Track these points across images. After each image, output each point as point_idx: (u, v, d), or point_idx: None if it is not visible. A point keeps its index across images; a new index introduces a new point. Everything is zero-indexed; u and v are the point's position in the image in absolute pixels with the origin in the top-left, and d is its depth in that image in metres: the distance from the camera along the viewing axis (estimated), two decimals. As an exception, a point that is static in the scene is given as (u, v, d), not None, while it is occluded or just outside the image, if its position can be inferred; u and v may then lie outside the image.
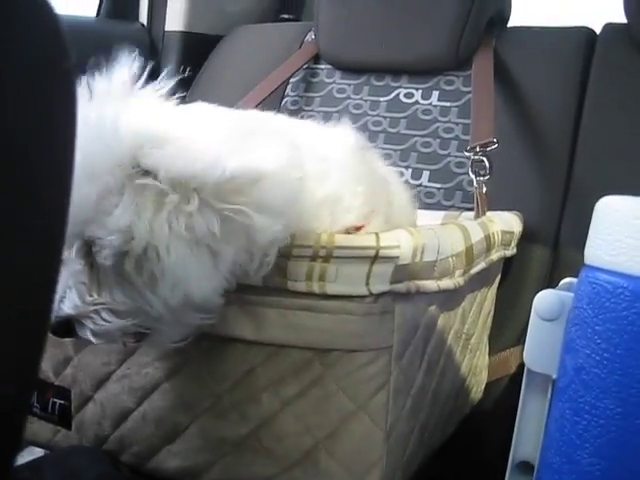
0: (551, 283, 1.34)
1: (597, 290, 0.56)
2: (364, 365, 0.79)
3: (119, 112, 0.71)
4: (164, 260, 0.70)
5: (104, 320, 0.75)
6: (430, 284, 0.83)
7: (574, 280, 0.65)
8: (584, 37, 1.53)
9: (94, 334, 0.75)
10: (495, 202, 1.27)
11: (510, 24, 1.67)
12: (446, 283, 0.87)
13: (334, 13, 1.64)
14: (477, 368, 1.18)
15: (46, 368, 0.97)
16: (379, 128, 1.58)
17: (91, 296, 0.75)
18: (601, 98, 1.45)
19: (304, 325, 0.78)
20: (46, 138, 0.44)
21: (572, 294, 0.63)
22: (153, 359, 0.88)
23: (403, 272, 0.78)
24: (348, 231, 0.84)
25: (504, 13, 1.65)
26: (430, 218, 1.32)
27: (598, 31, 1.54)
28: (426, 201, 1.48)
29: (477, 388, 1.20)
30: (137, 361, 0.89)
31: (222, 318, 0.80)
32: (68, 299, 0.75)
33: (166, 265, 0.71)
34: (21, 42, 0.40)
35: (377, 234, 0.77)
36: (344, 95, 1.64)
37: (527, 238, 1.31)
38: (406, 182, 1.49)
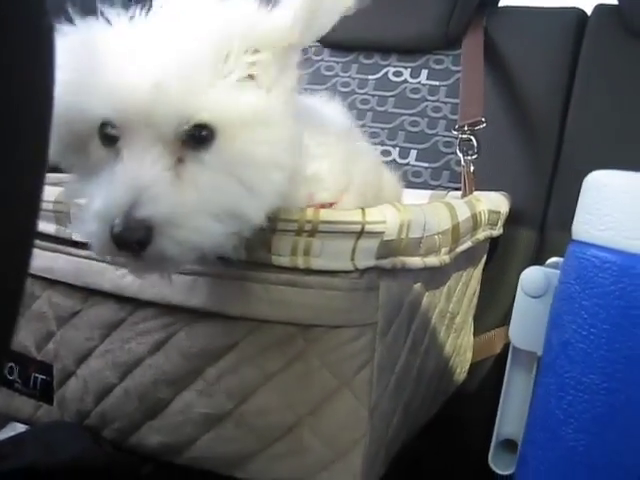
0: (537, 263, 1.34)
1: (584, 265, 0.56)
2: (348, 341, 0.79)
3: None
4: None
5: (189, 229, 0.67)
6: (416, 261, 0.83)
7: (560, 259, 0.64)
8: (575, 18, 1.52)
9: (168, 250, 0.67)
10: (482, 182, 1.26)
11: (501, 4, 1.66)
12: (432, 260, 0.86)
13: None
14: (461, 348, 1.18)
15: (28, 343, 0.96)
16: (367, 106, 1.58)
17: (178, 198, 0.68)
18: (590, 79, 1.45)
19: (288, 300, 0.77)
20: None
21: (558, 271, 0.63)
22: (136, 334, 0.87)
23: (389, 248, 0.77)
24: (323, 206, 0.83)
25: (495, -9, 1.64)
26: (417, 197, 1.32)
27: (589, 12, 1.53)
28: (413, 180, 1.48)
29: (461, 368, 1.20)
30: (120, 336, 0.88)
31: (205, 292, 0.80)
32: (146, 201, 0.66)
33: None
34: None
35: (363, 209, 0.76)
36: (332, 73, 1.64)
37: (514, 219, 1.30)
38: (393, 161, 1.49)
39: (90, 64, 0.69)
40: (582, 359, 0.56)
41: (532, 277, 0.68)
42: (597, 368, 0.55)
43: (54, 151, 0.63)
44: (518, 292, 0.70)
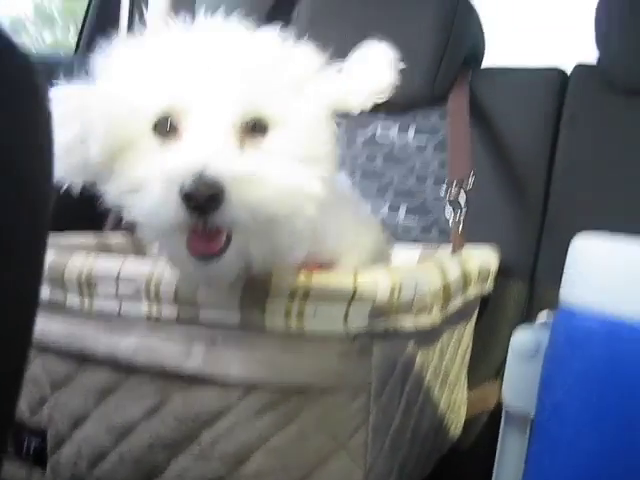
0: (528, 317, 1.35)
1: (572, 329, 0.57)
2: (343, 403, 0.79)
3: None
4: None
5: (258, 195, 0.69)
6: (408, 322, 0.83)
7: (551, 312, 0.65)
8: (556, 77, 1.56)
9: (238, 215, 0.68)
10: (472, 236, 1.27)
11: (484, 65, 1.70)
12: (424, 321, 0.87)
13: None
14: (456, 404, 1.18)
15: (22, 408, 0.95)
16: (356, 164, 1.60)
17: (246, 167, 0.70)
18: (574, 135, 1.48)
19: (282, 363, 0.78)
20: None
21: (548, 331, 0.64)
22: (131, 398, 0.87)
23: (381, 310, 0.78)
24: (321, 265, 0.85)
25: (478, 53, 1.68)
26: (407, 253, 1.33)
27: (569, 72, 1.57)
28: (403, 237, 1.49)
29: (456, 424, 1.20)
30: (115, 401, 0.88)
31: (199, 357, 0.81)
32: (217, 164, 0.67)
33: None
34: None
35: (355, 273, 0.77)
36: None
37: (504, 272, 1.31)
38: (383, 218, 1.51)
39: (145, 68, 0.74)
40: (573, 422, 0.56)
41: (523, 338, 0.69)
42: (588, 431, 0.56)
43: (101, 156, 0.73)
44: (509, 353, 0.71)
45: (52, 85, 0.78)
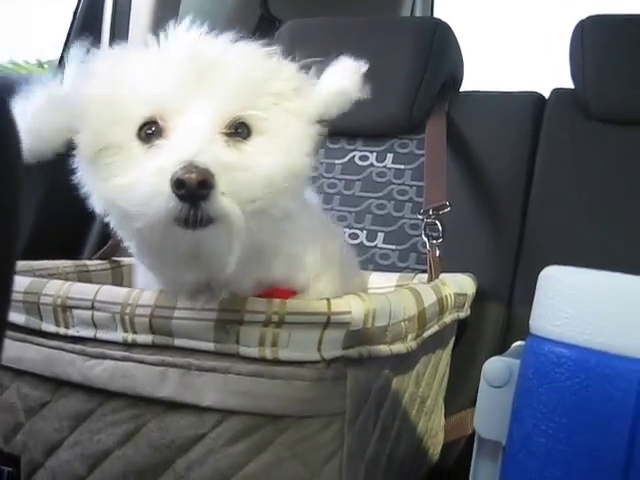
0: (505, 344, 1.36)
1: (541, 360, 0.57)
2: (317, 431, 0.79)
3: None
4: None
5: (248, 183, 0.71)
6: (382, 349, 0.84)
7: (524, 343, 0.66)
8: (534, 101, 1.58)
9: (228, 204, 0.69)
10: (449, 264, 1.28)
11: (463, 89, 1.71)
12: (399, 347, 0.87)
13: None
14: (433, 430, 1.18)
15: (-5, 435, 0.95)
16: (334, 190, 1.61)
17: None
18: (551, 160, 1.49)
19: (256, 391, 0.78)
20: None
21: (519, 361, 0.64)
22: (106, 425, 0.86)
23: (355, 337, 0.79)
24: (295, 292, 0.87)
25: (457, 78, 1.69)
26: (385, 280, 1.33)
27: (547, 95, 1.59)
28: (381, 262, 1.50)
29: (433, 450, 1.20)
30: (89, 427, 0.88)
31: (174, 383, 0.81)
32: (206, 152, 0.69)
33: None
34: None
35: (329, 299, 0.78)
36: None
37: (481, 299, 1.32)
38: (361, 244, 1.51)
39: (129, 78, 0.76)
40: (542, 453, 0.57)
41: (494, 368, 0.69)
42: (557, 462, 0.56)
43: (89, 153, 0.75)
44: (481, 382, 0.71)
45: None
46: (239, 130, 0.75)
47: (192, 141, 0.71)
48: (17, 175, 0.46)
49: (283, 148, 0.76)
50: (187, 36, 0.79)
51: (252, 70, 0.77)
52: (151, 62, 0.77)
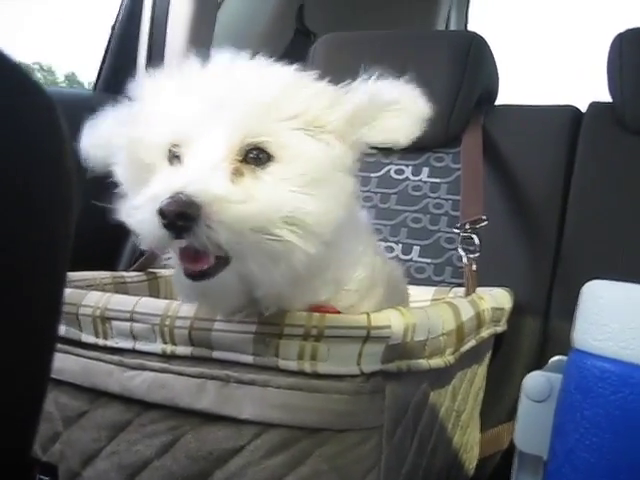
0: (542, 357, 1.35)
1: (584, 374, 0.57)
2: (355, 445, 0.79)
3: None
4: None
5: (239, 218, 0.70)
6: (421, 363, 0.84)
7: (564, 358, 0.65)
8: (570, 115, 1.57)
9: (214, 234, 0.69)
10: (485, 278, 1.28)
11: (498, 102, 1.71)
12: (437, 362, 0.87)
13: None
14: (468, 445, 1.17)
15: (34, 445, 0.95)
16: (370, 203, 1.61)
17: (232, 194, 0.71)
18: (587, 175, 1.48)
19: (295, 404, 0.78)
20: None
21: (560, 375, 0.64)
22: (143, 436, 0.87)
23: (394, 351, 0.79)
24: (340, 311, 0.86)
25: (492, 91, 1.69)
26: (421, 293, 1.33)
27: (584, 109, 1.58)
28: (416, 276, 1.50)
29: (469, 465, 1.19)
30: (127, 438, 0.88)
31: (212, 395, 0.81)
32: (197, 182, 0.70)
33: None
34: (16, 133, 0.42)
35: (368, 314, 0.78)
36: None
37: (517, 313, 1.31)
38: (397, 257, 1.51)
39: (156, 107, 0.79)
40: (586, 468, 0.56)
41: (535, 382, 0.69)
42: (601, 478, 0.56)
43: (127, 178, 0.80)
44: (521, 396, 0.71)
45: (70, 121, 0.81)
46: (259, 156, 0.75)
47: (190, 171, 0.72)
48: (70, 171, 0.47)
49: (304, 176, 0.75)
50: (212, 62, 0.81)
51: (269, 93, 0.77)
52: (176, 89, 0.79)
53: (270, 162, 0.76)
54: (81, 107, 0.85)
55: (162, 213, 0.68)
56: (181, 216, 0.68)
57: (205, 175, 0.71)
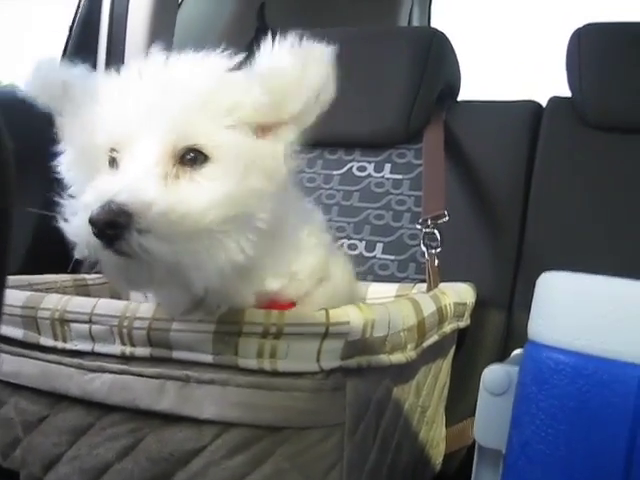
0: (506, 351, 1.36)
1: (540, 366, 0.57)
2: (317, 442, 0.79)
3: None
4: None
5: (171, 223, 0.70)
6: (382, 359, 0.83)
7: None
8: (531, 110, 1.58)
9: (145, 242, 0.69)
10: (448, 273, 1.28)
11: (460, 98, 1.72)
12: (398, 357, 0.87)
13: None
14: (434, 441, 1.17)
15: (-6, 452, 0.94)
16: (333, 201, 1.61)
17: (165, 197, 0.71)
18: (548, 168, 1.50)
19: (255, 403, 0.78)
20: None
21: (518, 368, 0.64)
22: (104, 439, 0.86)
23: (354, 347, 0.78)
24: (291, 303, 0.86)
25: (454, 87, 1.70)
26: (384, 290, 1.33)
27: (544, 104, 1.59)
28: (380, 273, 1.50)
29: (435, 461, 1.19)
30: (88, 442, 0.87)
31: (172, 396, 0.80)
32: (129, 190, 0.69)
33: None
34: None
35: (327, 310, 0.78)
36: (298, 169, 1.66)
37: (481, 307, 1.32)
38: (360, 254, 1.51)
39: (98, 109, 0.79)
40: (542, 460, 0.56)
41: (493, 375, 0.69)
42: (557, 469, 0.56)
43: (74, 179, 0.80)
44: (480, 390, 0.71)
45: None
46: (196, 157, 0.75)
47: (123, 177, 0.73)
48: (8, 180, 0.46)
49: (232, 174, 0.75)
50: (151, 63, 0.80)
51: (200, 92, 0.76)
52: (117, 91, 0.79)
53: (207, 162, 0.75)
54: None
55: (92, 222, 0.68)
56: (111, 225, 0.68)
57: (137, 181, 0.71)
